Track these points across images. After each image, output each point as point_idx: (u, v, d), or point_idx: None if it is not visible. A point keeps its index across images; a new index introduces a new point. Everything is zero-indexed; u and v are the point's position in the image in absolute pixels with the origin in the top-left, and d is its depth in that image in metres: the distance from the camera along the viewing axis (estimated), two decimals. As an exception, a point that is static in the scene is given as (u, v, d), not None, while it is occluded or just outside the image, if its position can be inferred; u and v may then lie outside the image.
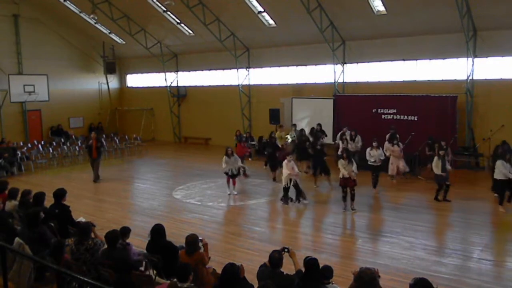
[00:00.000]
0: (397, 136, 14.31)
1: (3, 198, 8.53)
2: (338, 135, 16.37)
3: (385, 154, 13.65)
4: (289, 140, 16.98)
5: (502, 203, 11.00)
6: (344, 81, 19.05)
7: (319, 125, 16.79)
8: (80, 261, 6.04)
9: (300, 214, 11.40)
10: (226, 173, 13.12)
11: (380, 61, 18.03)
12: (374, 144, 13.09)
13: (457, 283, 7.15)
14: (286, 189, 11.85)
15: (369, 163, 13.06)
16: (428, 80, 16.93)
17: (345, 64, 18.91)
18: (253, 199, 12.68)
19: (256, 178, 15.01)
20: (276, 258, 5.28)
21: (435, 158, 11.83)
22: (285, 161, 11.87)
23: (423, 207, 11.59)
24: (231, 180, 13.22)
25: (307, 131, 16.58)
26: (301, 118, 18.79)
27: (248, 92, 22.34)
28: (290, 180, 11.72)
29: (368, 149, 13.25)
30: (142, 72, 27.22)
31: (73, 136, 23.67)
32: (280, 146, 15.79)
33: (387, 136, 14.52)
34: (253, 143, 19.70)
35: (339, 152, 14.36)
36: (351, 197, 11.23)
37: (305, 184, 13.02)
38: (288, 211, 11.72)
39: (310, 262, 5.12)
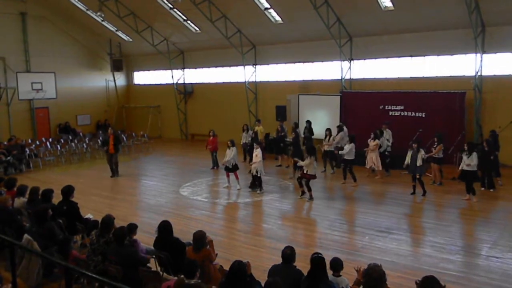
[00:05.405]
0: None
1: (11, 195, 8.61)
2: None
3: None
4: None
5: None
6: (351, 78, 18.96)
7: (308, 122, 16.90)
8: (97, 252, 6.14)
9: (306, 211, 11.39)
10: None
11: (387, 57, 17.91)
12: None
13: (465, 280, 7.11)
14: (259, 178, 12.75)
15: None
16: (436, 76, 16.80)
17: (352, 61, 18.82)
18: (259, 196, 12.66)
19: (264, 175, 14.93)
20: (287, 254, 5.42)
21: None
22: (259, 149, 12.81)
23: (430, 204, 11.54)
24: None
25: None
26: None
27: (255, 89, 22.32)
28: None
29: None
30: (148, 70, 27.28)
31: (81, 134, 23.82)
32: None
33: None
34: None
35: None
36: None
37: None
38: (294, 208, 11.71)
39: (313, 260, 5.14)
